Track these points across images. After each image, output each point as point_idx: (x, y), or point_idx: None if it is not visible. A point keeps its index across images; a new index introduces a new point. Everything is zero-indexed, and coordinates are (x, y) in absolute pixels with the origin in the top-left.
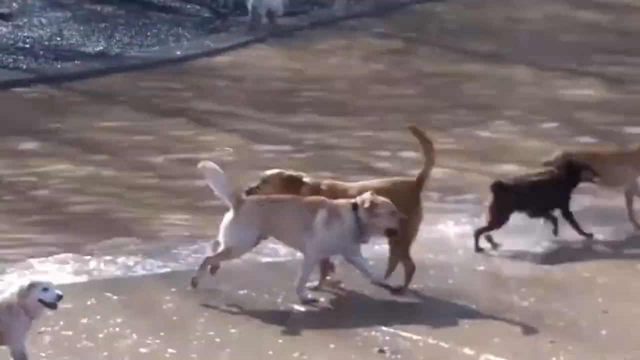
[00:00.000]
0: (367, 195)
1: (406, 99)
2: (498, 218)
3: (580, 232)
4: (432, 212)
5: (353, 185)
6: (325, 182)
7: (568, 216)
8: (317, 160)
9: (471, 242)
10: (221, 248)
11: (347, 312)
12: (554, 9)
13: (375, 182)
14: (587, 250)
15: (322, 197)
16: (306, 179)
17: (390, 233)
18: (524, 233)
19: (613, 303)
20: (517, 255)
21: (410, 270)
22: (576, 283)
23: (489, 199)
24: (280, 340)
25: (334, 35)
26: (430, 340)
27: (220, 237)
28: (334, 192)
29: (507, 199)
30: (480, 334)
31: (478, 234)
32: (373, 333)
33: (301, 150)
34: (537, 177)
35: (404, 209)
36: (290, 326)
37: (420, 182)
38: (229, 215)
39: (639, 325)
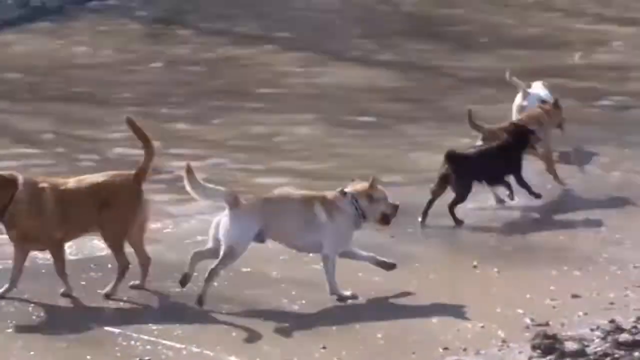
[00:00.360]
0: (361, 183)
1: (163, 87)
2: (463, 189)
3: (531, 192)
4: (187, 210)
5: (69, 180)
6: (41, 179)
7: (520, 180)
8: (59, 155)
9: None
10: (222, 250)
11: (102, 318)
12: None
13: (93, 175)
14: (361, 248)
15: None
16: (20, 178)
17: (385, 219)
18: None
19: (389, 304)
20: (287, 256)
21: (123, 268)
22: (349, 284)
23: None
24: (31, 352)
25: (86, 19)
26: (194, 349)
27: (222, 237)
28: (55, 188)
29: (466, 169)
30: (247, 340)
31: (451, 208)
32: (132, 342)
33: (41, 146)
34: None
35: (122, 204)
36: (42, 336)
37: (139, 176)
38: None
39: (418, 327)
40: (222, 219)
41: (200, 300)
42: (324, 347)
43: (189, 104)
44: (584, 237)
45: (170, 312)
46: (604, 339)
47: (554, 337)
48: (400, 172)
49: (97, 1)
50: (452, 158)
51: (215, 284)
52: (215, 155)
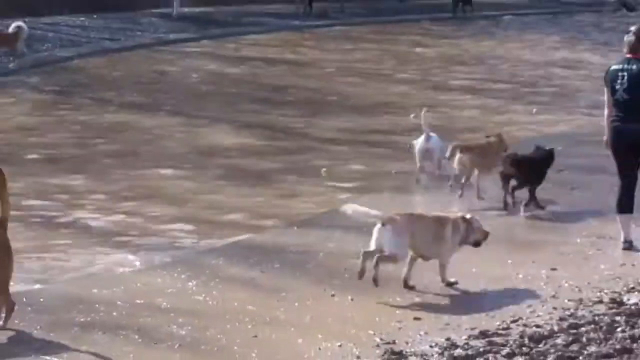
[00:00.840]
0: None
1: (61, 148)
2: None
3: (538, 205)
4: (97, 250)
5: None
6: None
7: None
8: None
9: (134, 278)
10: (387, 253)
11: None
12: (197, 62)
13: None
14: (236, 282)
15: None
16: None
17: (477, 244)
18: (178, 266)
19: (261, 328)
20: (174, 289)
21: (10, 308)
22: (227, 312)
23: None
24: None
25: None
26: None
27: (386, 248)
28: None
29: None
30: None
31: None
32: None
33: None
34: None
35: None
36: None
37: (3, 224)
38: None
39: (285, 347)
40: (384, 232)
41: (374, 281)
42: None
43: (88, 163)
44: (424, 270)
45: (73, 341)
46: (441, 354)
47: (400, 353)
48: (272, 217)
49: (1, 77)
50: (514, 162)
51: (115, 314)
52: (116, 207)
